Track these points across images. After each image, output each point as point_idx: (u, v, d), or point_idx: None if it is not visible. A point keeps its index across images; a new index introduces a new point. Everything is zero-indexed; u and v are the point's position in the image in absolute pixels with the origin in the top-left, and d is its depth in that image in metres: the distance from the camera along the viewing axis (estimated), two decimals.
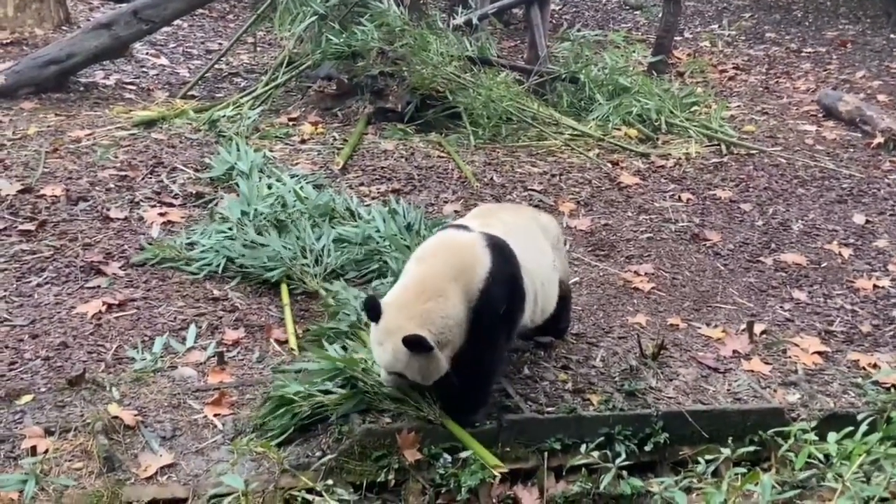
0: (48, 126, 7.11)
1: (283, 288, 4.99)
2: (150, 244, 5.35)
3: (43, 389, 4.05)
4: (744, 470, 3.40)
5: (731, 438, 4.01)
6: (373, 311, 3.72)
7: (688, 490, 3.55)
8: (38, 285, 4.92)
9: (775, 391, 4.44)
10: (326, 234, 5.32)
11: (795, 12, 12.93)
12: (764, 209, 6.63)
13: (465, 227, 4.07)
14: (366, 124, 7.61)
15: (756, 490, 3.16)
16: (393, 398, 3.93)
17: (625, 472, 3.76)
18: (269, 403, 3.96)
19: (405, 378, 3.77)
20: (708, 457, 3.59)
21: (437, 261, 3.87)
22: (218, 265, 5.14)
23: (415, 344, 3.60)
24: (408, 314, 3.68)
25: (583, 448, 3.77)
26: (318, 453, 3.79)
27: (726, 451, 3.54)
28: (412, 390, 3.93)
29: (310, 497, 3.55)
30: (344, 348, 4.26)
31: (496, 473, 3.79)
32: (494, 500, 3.82)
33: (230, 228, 5.45)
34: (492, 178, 6.76)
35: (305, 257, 5.16)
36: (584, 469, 3.87)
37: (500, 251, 3.91)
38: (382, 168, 6.76)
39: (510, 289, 3.90)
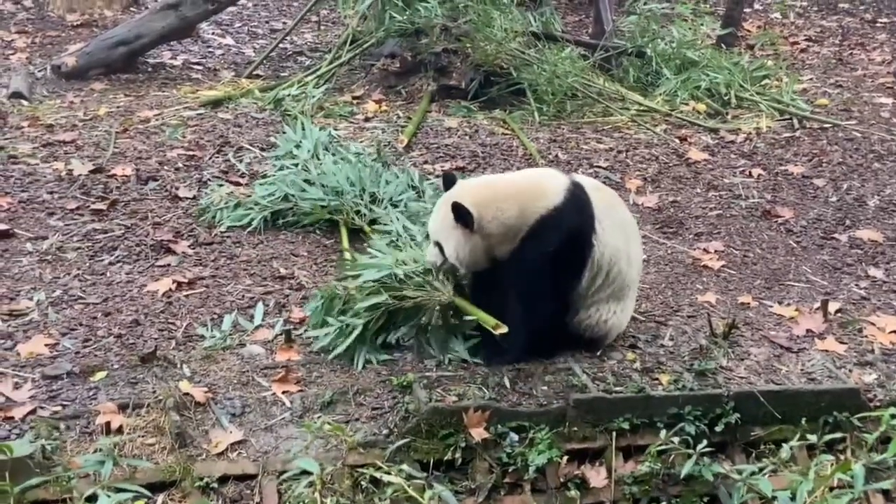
0: (118, 106, 7.22)
1: (343, 231, 5.18)
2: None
3: (116, 366, 4.12)
4: (830, 457, 3.32)
5: (804, 419, 3.94)
6: (448, 181, 4.20)
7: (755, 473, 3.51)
8: (111, 263, 5.01)
9: (851, 371, 4.33)
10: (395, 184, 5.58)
11: None
12: (838, 184, 6.46)
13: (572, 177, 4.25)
14: (429, 102, 7.58)
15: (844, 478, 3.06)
16: (416, 286, 4.15)
17: (705, 458, 3.71)
18: (316, 302, 4.33)
19: (444, 257, 4.03)
20: (793, 443, 3.50)
21: (521, 175, 4.34)
22: (280, 197, 5.46)
23: (459, 211, 3.90)
24: (470, 191, 4.04)
25: (662, 434, 3.74)
26: (385, 431, 3.80)
27: (812, 438, 3.46)
28: (445, 278, 4.14)
29: (378, 475, 3.56)
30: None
31: (496, 333, 3.95)
32: (562, 479, 3.79)
33: (296, 164, 5.83)
34: (557, 155, 6.69)
35: (362, 199, 5.37)
36: (652, 449, 3.83)
37: (575, 202, 4.04)
38: (446, 146, 6.74)
39: (563, 238, 3.99)
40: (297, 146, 6.17)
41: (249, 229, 5.37)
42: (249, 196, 5.58)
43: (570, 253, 4.04)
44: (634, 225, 4.43)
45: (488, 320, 3.99)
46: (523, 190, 4.04)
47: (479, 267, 4.11)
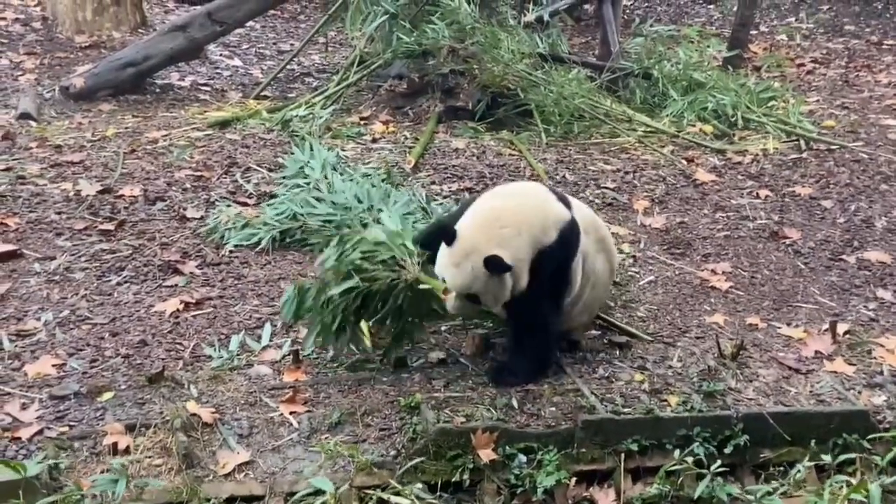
0: (126, 127, 7.25)
1: None
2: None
3: (123, 386, 4.12)
4: (844, 478, 3.30)
5: (814, 441, 3.93)
6: (448, 235, 3.94)
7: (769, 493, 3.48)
8: (118, 284, 5.01)
9: (860, 393, 4.31)
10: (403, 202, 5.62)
11: (875, 4, 12.59)
12: (846, 206, 6.45)
13: (560, 194, 4.30)
14: (437, 123, 7.60)
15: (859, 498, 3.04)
16: (385, 266, 4.15)
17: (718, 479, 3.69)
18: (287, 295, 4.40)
19: (475, 302, 3.98)
20: (807, 463, 3.49)
21: (521, 204, 4.10)
22: (290, 216, 5.48)
23: (495, 264, 3.82)
24: (485, 236, 3.92)
25: (676, 454, 3.74)
26: (393, 452, 3.79)
27: (826, 458, 3.45)
28: (477, 316, 4.24)
29: (385, 496, 3.54)
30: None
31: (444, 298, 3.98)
32: (570, 502, 3.77)
33: (308, 182, 5.84)
34: (564, 176, 6.69)
35: (370, 215, 5.36)
36: (661, 471, 3.81)
37: (571, 237, 4.13)
38: (454, 166, 6.75)
39: (556, 271, 4.12)
40: (305, 166, 6.17)
41: (258, 249, 5.37)
42: (258, 217, 5.59)
43: (564, 274, 4.18)
44: (609, 239, 4.54)
45: (439, 287, 4.00)
46: (530, 225, 4.03)
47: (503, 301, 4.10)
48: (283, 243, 5.44)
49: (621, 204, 6.31)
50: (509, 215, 4.03)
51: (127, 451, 3.69)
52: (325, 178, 5.89)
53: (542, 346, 4.24)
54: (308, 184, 5.86)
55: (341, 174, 6.03)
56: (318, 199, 5.59)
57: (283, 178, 6.19)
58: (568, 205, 4.23)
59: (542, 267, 4.05)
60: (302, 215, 5.49)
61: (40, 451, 3.63)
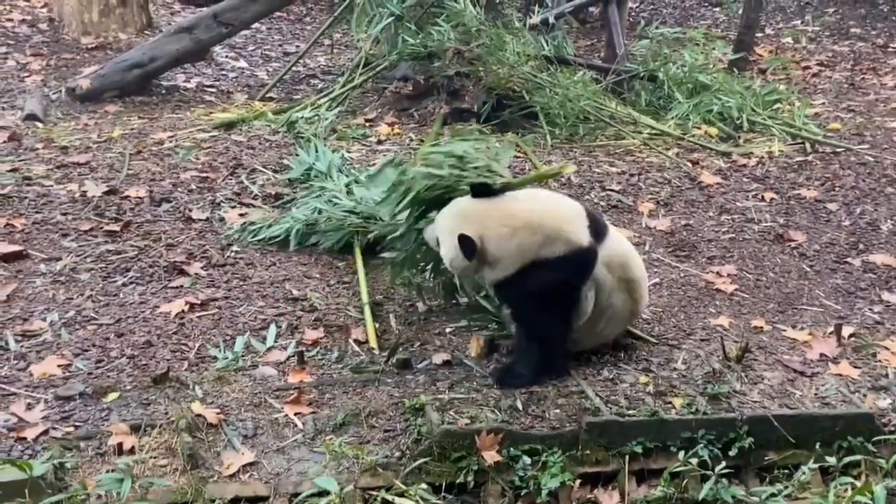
0: (132, 128, 7.26)
1: (357, 252, 5.25)
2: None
3: (128, 387, 4.13)
4: (849, 479, 3.30)
5: (818, 444, 3.92)
6: (483, 192, 4.16)
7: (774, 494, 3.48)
8: (124, 285, 5.02)
9: (865, 396, 4.30)
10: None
11: (882, 6, 12.56)
12: (851, 209, 6.45)
13: (597, 222, 4.26)
14: (442, 125, 7.60)
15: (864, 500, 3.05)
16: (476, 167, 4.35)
17: (723, 480, 3.69)
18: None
19: (438, 247, 4.23)
20: (812, 465, 3.49)
21: (536, 211, 4.13)
22: (314, 211, 5.54)
23: (464, 243, 4.01)
24: (486, 219, 4.05)
25: (680, 455, 3.74)
26: (398, 454, 3.79)
27: (831, 460, 3.44)
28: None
29: (389, 497, 3.55)
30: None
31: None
32: (574, 503, 3.77)
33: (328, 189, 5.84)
34: (569, 178, 6.69)
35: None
36: (665, 473, 3.81)
37: (579, 262, 4.10)
38: None
39: (555, 287, 4.09)
40: (313, 168, 6.18)
41: (273, 246, 5.42)
42: (283, 216, 5.66)
43: (569, 291, 4.17)
44: (639, 282, 4.43)
45: (549, 173, 4.53)
46: (531, 231, 4.05)
47: (466, 276, 4.54)
48: (308, 240, 5.46)
49: (626, 206, 6.30)
50: (517, 213, 4.08)
51: (132, 451, 3.70)
52: (349, 190, 5.84)
53: (547, 348, 4.24)
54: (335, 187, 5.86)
55: (346, 175, 6.03)
56: (348, 193, 5.64)
57: (290, 179, 6.20)
58: (599, 235, 4.19)
59: (541, 276, 4.05)
60: (325, 210, 5.51)
61: (46, 450, 3.66)
